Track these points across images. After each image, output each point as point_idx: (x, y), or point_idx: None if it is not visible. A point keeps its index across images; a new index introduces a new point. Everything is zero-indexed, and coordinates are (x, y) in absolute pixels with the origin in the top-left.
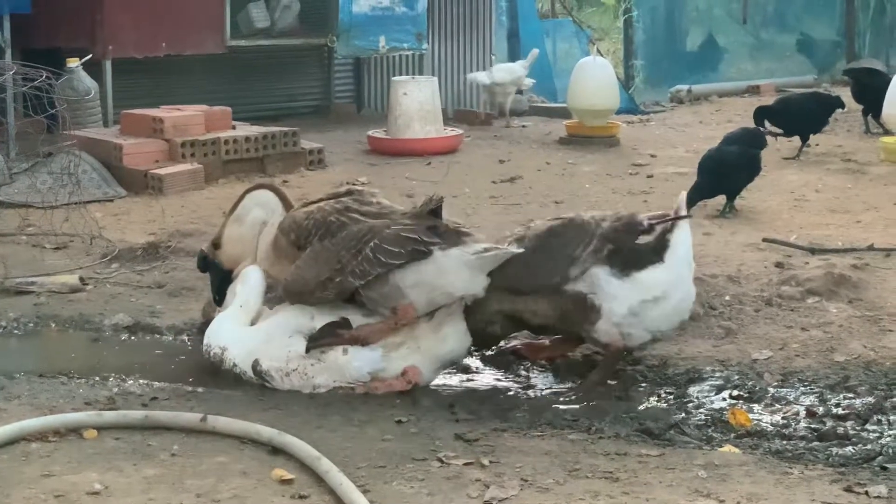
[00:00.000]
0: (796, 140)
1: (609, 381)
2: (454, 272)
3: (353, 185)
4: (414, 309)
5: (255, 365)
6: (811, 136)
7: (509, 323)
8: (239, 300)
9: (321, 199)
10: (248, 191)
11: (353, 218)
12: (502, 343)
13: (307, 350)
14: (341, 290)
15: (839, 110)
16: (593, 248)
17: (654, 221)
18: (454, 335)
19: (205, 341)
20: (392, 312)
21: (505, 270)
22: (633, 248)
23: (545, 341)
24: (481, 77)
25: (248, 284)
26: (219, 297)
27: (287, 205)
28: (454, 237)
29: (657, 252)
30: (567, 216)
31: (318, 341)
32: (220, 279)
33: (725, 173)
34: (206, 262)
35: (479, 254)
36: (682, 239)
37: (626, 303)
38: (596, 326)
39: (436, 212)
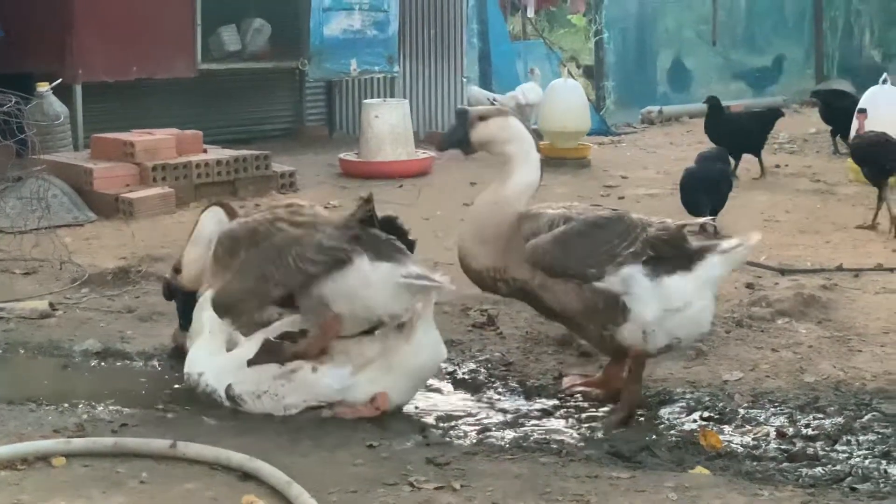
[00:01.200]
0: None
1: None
2: (379, 288)
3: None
4: (339, 321)
5: (228, 389)
6: (760, 151)
7: (519, 294)
8: (207, 327)
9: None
10: (202, 211)
11: (281, 228)
12: (562, 387)
13: (248, 365)
14: (264, 300)
15: (780, 119)
16: (635, 249)
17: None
18: (428, 346)
19: (185, 369)
20: (319, 327)
21: (542, 246)
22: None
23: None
24: (509, 98)
25: (210, 310)
26: (184, 322)
27: (232, 214)
28: (388, 251)
29: (689, 262)
30: (616, 211)
31: (258, 358)
32: (185, 303)
33: (710, 190)
34: (171, 290)
35: (409, 278)
36: (716, 260)
37: (655, 308)
38: (622, 328)
39: (370, 220)
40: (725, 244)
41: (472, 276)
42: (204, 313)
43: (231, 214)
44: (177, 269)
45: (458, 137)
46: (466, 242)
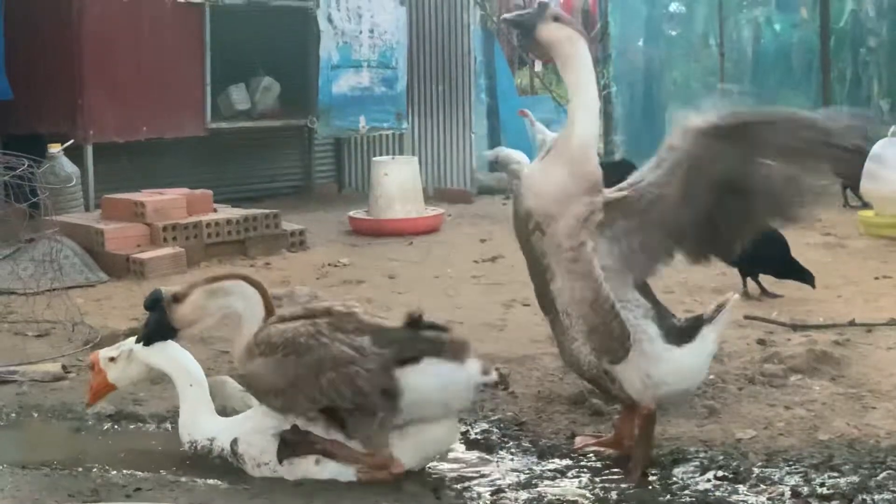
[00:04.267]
0: None
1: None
2: (455, 390)
3: (333, 306)
4: (401, 466)
5: (234, 444)
6: None
7: (534, 261)
8: (187, 379)
9: (298, 317)
10: (235, 275)
11: (323, 343)
12: (575, 446)
13: (279, 461)
14: (291, 406)
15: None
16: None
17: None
18: (444, 428)
19: (185, 438)
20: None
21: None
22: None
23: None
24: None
25: (186, 361)
26: (146, 343)
27: (268, 306)
28: (454, 350)
29: (692, 331)
30: None
31: (290, 451)
32: (159, 329)
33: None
34: (158, 306)
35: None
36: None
37: (663, 368)
38: (615, 366)
39: (417, 323)
40: (708, 313)
41: (519, 213)
42: (190, 362)
43: (267, 304)
44: (176, 298)
45: (524, 20)
46: (532, 179)
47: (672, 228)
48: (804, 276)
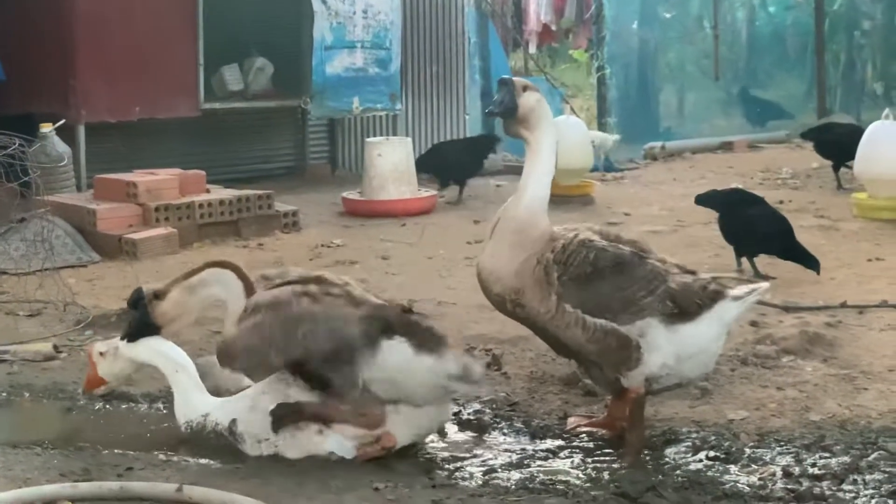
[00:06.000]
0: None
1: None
2: (421, 381)
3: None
4: (393, 439)
5: (232, 424)
6: (467, 180)
7: (532, 325)
8: (172, 367)
9: (288, 282)
10: (210, 264)
11: (303, 301)
12: (567, 427)
13: (274, 430)
14: (265, 365)
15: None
16: (655, 297)
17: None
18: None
19: (181, 421)
20: (362, 418)
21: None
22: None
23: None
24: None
25: (169, 350)
26: (129, 340)
27: (248, 286)
28: (431, 342)
29: (702, 307)
30: (642, 251)
31: (282, 422)
32: (142, 327)
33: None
34: (140, 304)
35: (451, 380)
36: (729, 306)
37: (666, 356)
38: (630, 373)
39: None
40: (737, 290)
41: (493, 299)
42: (172, 350)
43: (246, 284)
44: (157, 296)
45: (506, 105)
46: (488, 263)
47: None
48: (809, 261)
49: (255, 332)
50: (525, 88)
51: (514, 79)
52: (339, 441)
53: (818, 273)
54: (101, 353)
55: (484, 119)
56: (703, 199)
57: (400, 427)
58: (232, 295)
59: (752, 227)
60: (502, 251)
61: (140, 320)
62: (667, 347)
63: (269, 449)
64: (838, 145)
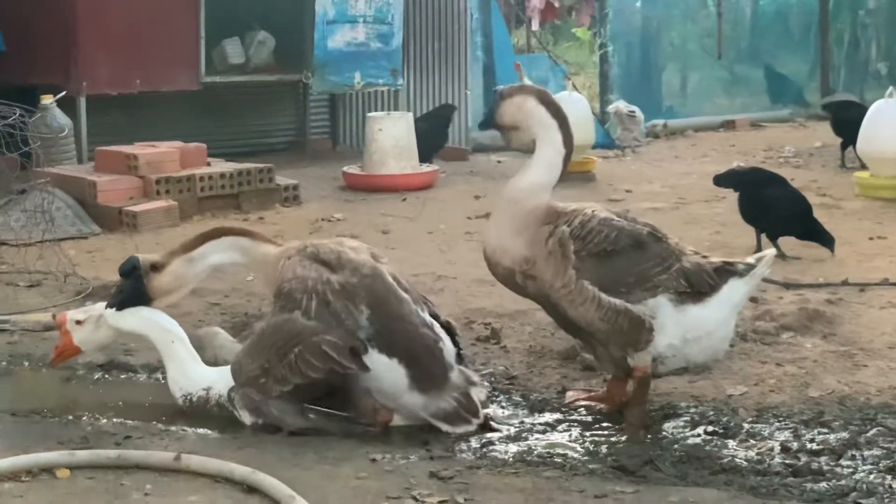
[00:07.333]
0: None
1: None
2: (409, 411)
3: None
4: (388, 413)
5: (231, 391)
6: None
7: (543, 299)
8: (167, 337)
9: (322, 263)
10: (207, 236)
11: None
12: (566, 401)
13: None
14: (265, 391)
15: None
16: (669, 276)
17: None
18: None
19: (178, 394)
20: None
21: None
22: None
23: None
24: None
25: (163, 320)
26: (119, 308)
27: (253, 236)
28: (429, 377)
29: (714, 287)
30: (654, 232)
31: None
32: (134, 297)
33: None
34: (135, 274)
35: (436, 419)
36: (737, 284)
37: (672, 336)
38: (638, 353)
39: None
40: (742, 265)
41: (500, 273)
42: (166, 319)
43: (254, 237)
44: (155, 267)
45: (486, 117)
46: (493, 236)
47: None
48: (825, 239)
49: (254, 354)
50: (502, 96)
51: (502, 88)
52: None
53: (833, 251)
54: (77, 322)
55: (486, 96)
56: (722, 179)
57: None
58: (246, 254)
59: (776, 208)
60: (503, 223)
61: (133, 290)
62: (674, 328)
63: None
64: (856, 126)
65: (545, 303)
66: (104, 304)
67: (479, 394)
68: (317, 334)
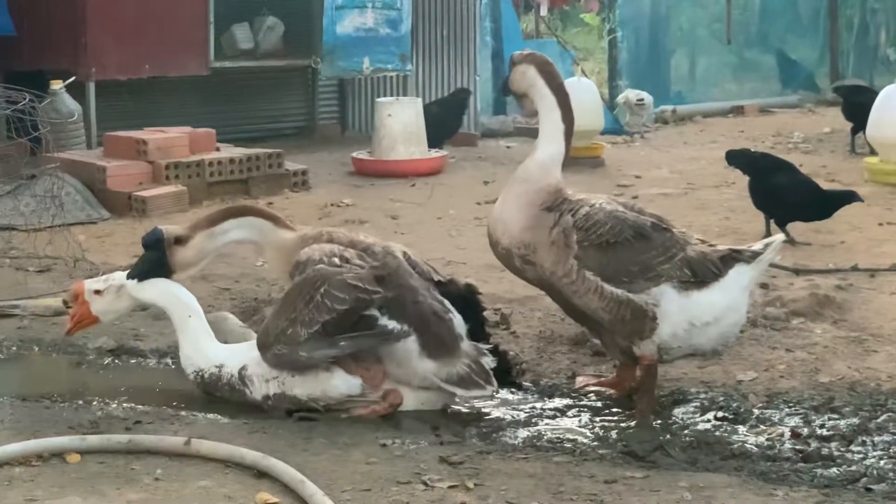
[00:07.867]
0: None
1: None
2: (420, 380)
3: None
4: (399, 396)
5: (243, 369)
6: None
7: (545, 285)
8: (185, 311)
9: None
10: (231, 213)
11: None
12: (575, 386)
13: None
14: (293, 340)
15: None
16: (673, 265)
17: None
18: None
19: (189, 370)
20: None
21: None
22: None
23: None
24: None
25: (182, 294)
26: (139, 279)
27: (275, 220)
28: (441, 343)
29: (718, 275)
30: (659, 222)
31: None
32: (156, 268)
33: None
34: (158, 246)
35: (449, 384)
36: (743, 269)
37: (677, 324)
38: (642, 342)
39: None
40: (749, 252)
41: (500, 253)
42: (185, 293)
43: (274, 219)
44: (179, 240)
45: (503, 83)
46: (497, 209)
47: None
48: (848, 199)
49: (281, 309)
50: (513, 63)
51: (513, 54)
52: (345, 378)
53: (862, 200)
54: (96, 291)
55: (495, 81)
56: (734, 156)
57: (406, 392)
58: (265, 236)
59: (783, 195)
60: (511, 201)
61: (156, 261)
62: (679, 316)
63: (277, 388)
64: (867, 110)
65: (549, 289)
66: (122, 273)
67: (490, 363)
68: (340, 274)
